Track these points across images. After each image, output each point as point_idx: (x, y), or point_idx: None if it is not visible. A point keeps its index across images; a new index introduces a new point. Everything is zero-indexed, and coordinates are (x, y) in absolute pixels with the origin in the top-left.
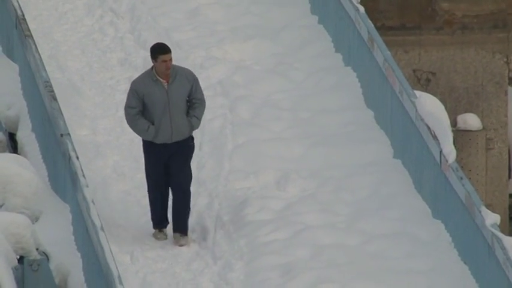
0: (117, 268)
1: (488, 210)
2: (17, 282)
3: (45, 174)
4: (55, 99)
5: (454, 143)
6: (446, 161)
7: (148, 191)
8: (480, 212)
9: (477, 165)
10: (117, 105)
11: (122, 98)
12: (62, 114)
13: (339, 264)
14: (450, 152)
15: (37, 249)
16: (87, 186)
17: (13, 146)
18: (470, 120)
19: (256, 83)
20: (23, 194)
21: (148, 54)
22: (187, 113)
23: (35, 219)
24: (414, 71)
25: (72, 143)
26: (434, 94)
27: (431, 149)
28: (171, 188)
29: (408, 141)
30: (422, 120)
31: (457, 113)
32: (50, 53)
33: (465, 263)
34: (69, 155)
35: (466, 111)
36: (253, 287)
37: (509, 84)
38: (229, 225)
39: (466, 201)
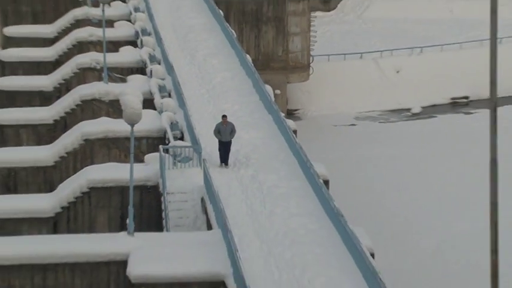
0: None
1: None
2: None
3: None
4: (179, 84)
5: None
6: (271, 97)
7: (219, 151)
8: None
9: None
10: (197, 84)
11: (197, 84)
12: (180, 87)
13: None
14: (274, 94)
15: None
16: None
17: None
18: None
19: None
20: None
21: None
22: (230, 133)
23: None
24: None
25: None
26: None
27: (266, 94)
28: (225, 151)
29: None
30: (265, 89)
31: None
32: (181, 80)
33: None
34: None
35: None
36: None
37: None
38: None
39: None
